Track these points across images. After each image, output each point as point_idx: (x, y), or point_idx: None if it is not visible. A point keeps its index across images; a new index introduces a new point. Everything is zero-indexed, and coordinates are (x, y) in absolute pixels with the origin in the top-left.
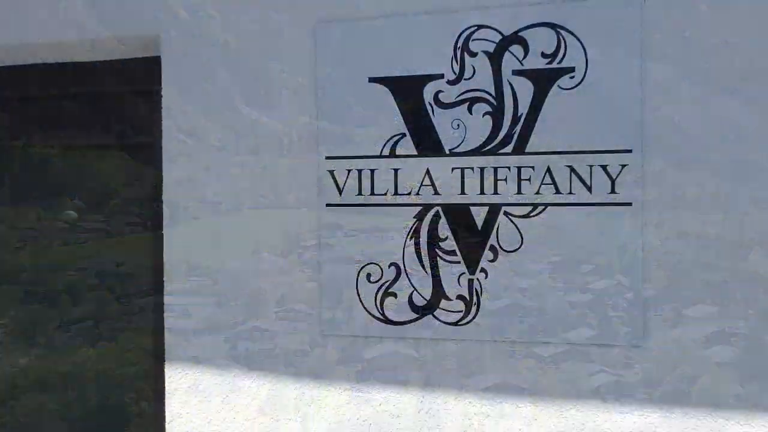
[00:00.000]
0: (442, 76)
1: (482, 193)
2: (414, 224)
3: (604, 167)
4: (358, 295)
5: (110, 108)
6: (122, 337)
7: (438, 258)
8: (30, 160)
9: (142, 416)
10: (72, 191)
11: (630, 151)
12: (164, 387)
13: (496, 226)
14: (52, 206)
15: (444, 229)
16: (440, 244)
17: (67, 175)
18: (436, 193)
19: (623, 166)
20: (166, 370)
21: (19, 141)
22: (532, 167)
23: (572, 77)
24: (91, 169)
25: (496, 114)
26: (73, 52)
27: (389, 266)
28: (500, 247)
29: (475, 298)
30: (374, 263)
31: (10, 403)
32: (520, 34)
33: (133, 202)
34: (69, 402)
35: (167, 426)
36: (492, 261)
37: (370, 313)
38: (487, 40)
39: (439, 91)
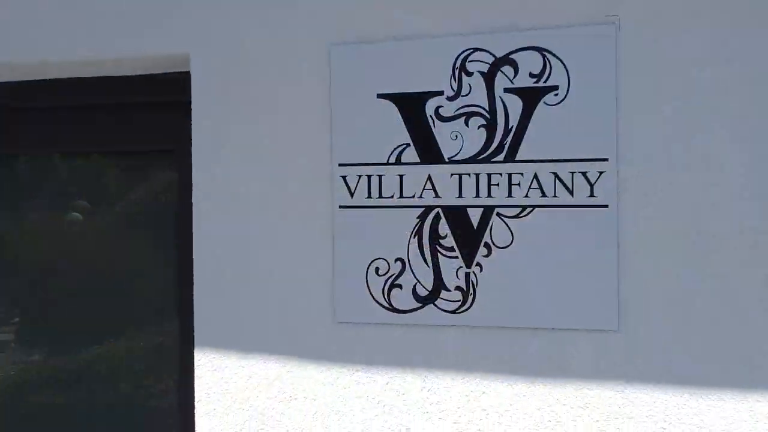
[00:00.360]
0: (442, 92)
1: (477, 196)
2: (417, 224)
3: (584, 174)
4: (368, 287)
5: (143, 118)
6: (158, 320)
7: (438, 254)
8: (64, 167)
9: (169, 393)
10: (98, 197)
11: (606, 159)
12: (193, 368)
13: (489, 226)
14: (85, 208)
15: (444, 228)
16: (440, 241)
17: (94, 181)
18: (437, 196)
19: (601, 173)
20: (195, 353)
21: (55, 148)
22: (521, 173)
23: (556, 95)
24: (120, 174)
25: (490, 127)
26: (108, 68)
27: (395, 261)
28: (493, 243)
29: (471, 289)
30: (382, 258)
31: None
32: (510, 56)
33: (164, 205)
34: (107, 385)
35: (196, 404)
36: (486, 256)
37: (378, 303)
38: (481, 61)
39: (439, 106)
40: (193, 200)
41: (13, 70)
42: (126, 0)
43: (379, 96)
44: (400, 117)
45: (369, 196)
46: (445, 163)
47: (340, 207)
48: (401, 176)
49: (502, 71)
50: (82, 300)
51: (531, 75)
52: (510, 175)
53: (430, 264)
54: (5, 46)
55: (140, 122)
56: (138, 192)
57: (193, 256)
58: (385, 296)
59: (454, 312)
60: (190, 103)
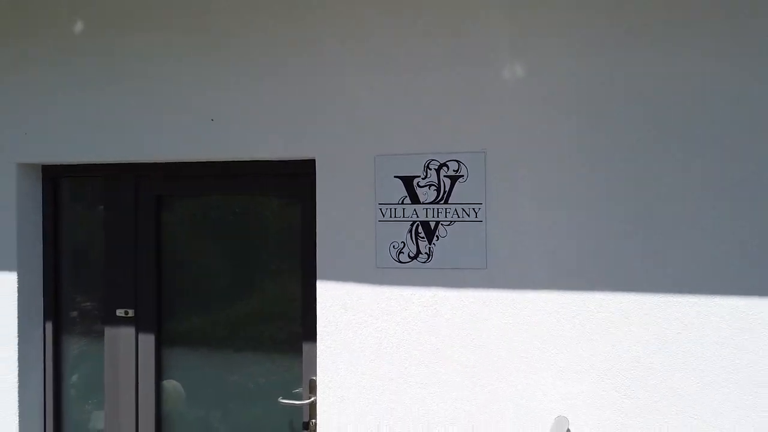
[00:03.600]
0: (419, 176)
1: (434, 217)
2: (409, 227)
3: (473, 208)
4: (389, 253)
5: (284, 181)
6: (292, 286)
7: (418, 239)
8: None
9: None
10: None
11: (481, 203)
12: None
13: (437, 228)
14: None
15: (420, 229)
16: (419, 234)
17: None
18: (417, 216)
19: (479, 208)
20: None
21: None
22: (450, 207)
23: (464, 177)
24: (270, 212)
25: (438, 189)
26: (250, 168)
27: (400, 242)
28: (439, 235)
29: (431, 254)
30: (395, 241)
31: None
32: (446, 162)
33: (296, 229)
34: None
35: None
36: (437, 240)
37: (393, 259)
38: (435, 161)
39: (418, 181)
40: (317, 226)
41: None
42: (278, 123)
43: (395, 177)
44: (403, 185)
45: (391, 217)
46: (420, 204)
47: (379, 221)
48: (403, 208)
49: (443, 167)
50: (246, 283)
51: (454, 170)
52: (446, 208)
53: (415, 244)
54: (181, 145)
55: (278, 183)
56: (282, 224)
57: (316, 247)
58: (396, 257)
59: (423, 263)
60: (315, 174)
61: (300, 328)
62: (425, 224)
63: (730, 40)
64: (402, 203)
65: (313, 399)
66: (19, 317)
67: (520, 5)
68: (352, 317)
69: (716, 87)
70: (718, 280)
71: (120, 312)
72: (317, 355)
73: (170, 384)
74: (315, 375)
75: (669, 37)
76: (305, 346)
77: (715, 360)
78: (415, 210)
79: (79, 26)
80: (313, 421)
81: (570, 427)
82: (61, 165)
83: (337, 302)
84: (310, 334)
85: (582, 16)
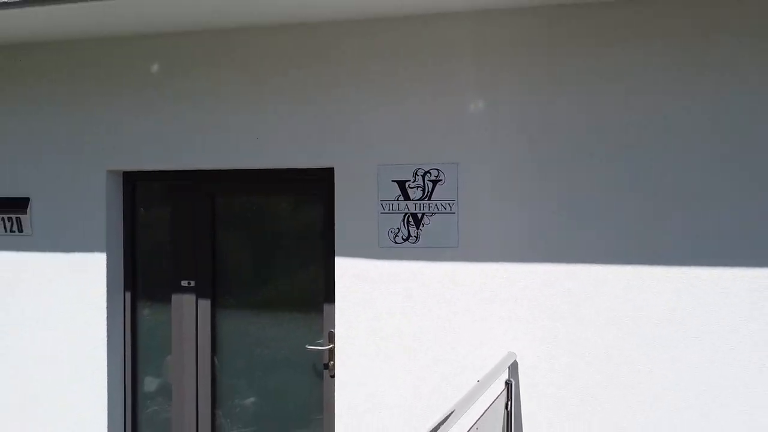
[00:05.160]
0: (410, 180)
1: (420, 210)
2: (402, 218)
3: (449, 204)
4: (388, 236)
5: (307, 185)
6: (315, 266)
7: (409, 226)
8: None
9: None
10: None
11: (455, 200)
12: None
13: (423, 218)
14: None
15: (410, 219)
16: (410, 222)
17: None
18: (408, 209)
19: (453, 203)
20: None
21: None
22: (432, 203)
23: (442, 181)
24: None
25: (423, 190)
26: (284, 174)
27: (396, 228)
28: (424, 224)
29: (419, 237)
30: (392, 227)
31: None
32: (429, 170)
33: (318, 225)
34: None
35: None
36: (422, 227)
37: (391, 240)
38: (421, 169)
39: (409, 184)
40: (335, 217)
41: (226, 165)
42: (306, 139)
43: (392, 180)
44: (398, 187)
45: (389, 210)
46: (410, 200)
47: (380, 213)
48: (398, 204)
49: (427, 174)
50: (280, 260)
51: (435, 176)
52: (429, 203)
53: (406, 229)
54: (231, 156)
55: (304, 185)
56: (304, 219)
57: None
58: (393, 239)
59: (413, 243)
60: (333, 179)
61: (322, 293)
62: (414, 215)
63: (621, 82)
64: (397, 200)
65: (331, 346)
66: (107, 286)
67: (483, 55)
68: (360, 284)
69: (617, 113)
70: (611, 255)
71: (184, 282)
72: (335, 313)
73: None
74: (333, 328)
75: (587, 80)
76: (326, 307)
77: (601, 303)
78: (407, 205)
79: (155, 68)
80: (331, 362)
81: (516, 358)
82: (137, 171)
83: (349, 273)
84: (330, 298)
85: (527, 63)
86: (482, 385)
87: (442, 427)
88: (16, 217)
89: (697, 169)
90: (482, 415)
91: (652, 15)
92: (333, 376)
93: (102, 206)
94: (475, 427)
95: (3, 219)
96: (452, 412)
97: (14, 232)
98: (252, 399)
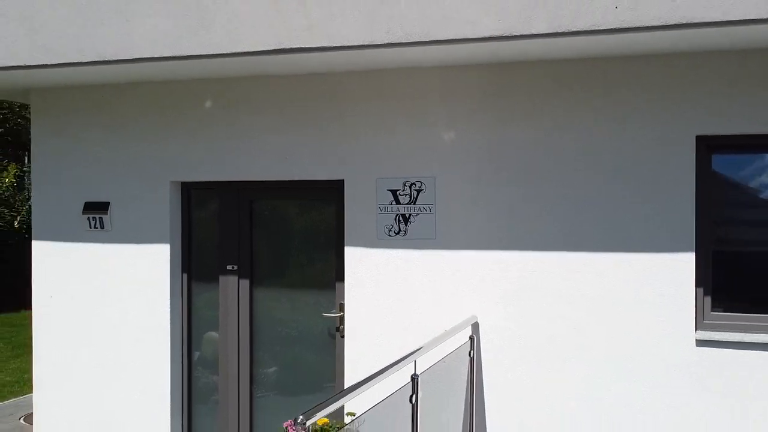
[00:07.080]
0: (400, 189)
1: (408, 212)
2: (395, 216)
3: (428, 207)
4: (384, 231)
5: (321, 192)
6: (330, 256)
7: (400, 224)
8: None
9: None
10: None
11: (433, 204)
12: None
13: (410, 218)
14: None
15: (401, 218)
16: (401, 220)
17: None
18: (399, 212)
19: (431, 207)
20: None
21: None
22: (418, 206)
23: (424, 190)
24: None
25: (410, 197)
26: (306, 184)
27: (391, 225)
28: (410, 222)
29: (409, 230)
30: (387, 224)
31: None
32: (413, 182)
33: (329, 225)
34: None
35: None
36: (410, 224)
37: (388, 234)
38: (408, 181)
39: (400, 193)
40: (345, 217)
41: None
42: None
43: (387, 190)
44: (391, 194)
45: (385, 212)
46: (401, 204)
47: (378, 214)
48: (391, 207)
49: (413, 185)
50: (302, 249)
51: (418, 186)
52: (414, 206)
53: (398, 226)
54: (267, 170)
55: (321, 192)
56: (318, 220)
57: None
58: (388, 233)
59: (403, 236)
60: (343, 188)
61: (335, 274)
62: (403, 215)
63: (566, 118)
64: (391, 204)
65: (341, 314)
66: (170, 270)
67: (451, 97)
68: (364, 267)
69: (548, 143)
70: (551, 245)
71: (229, 267)
72: (344, 289)
73: (210, 335)
74: (343, 300)
75: (527, 118)
76: (337, 284)
77: (545, 281)
78: (398, 208)
79: (208, 103)
80: (342, 326)
81: (478, 320)
82: (192, 182)
83: (355, 258)
84: (340, 277)
85: (484, 104)
86: (448, 333)
87: (412, 355)
88: (99, 217)
89: (601, 182)
90: (449, 353)
91: (573, 72)
92: (343, 336)
93: (166, 208)
94: (443, 360)
95: (89, 218)
96: (421, 347)
97: (98, 228)
98: (282, 350)
